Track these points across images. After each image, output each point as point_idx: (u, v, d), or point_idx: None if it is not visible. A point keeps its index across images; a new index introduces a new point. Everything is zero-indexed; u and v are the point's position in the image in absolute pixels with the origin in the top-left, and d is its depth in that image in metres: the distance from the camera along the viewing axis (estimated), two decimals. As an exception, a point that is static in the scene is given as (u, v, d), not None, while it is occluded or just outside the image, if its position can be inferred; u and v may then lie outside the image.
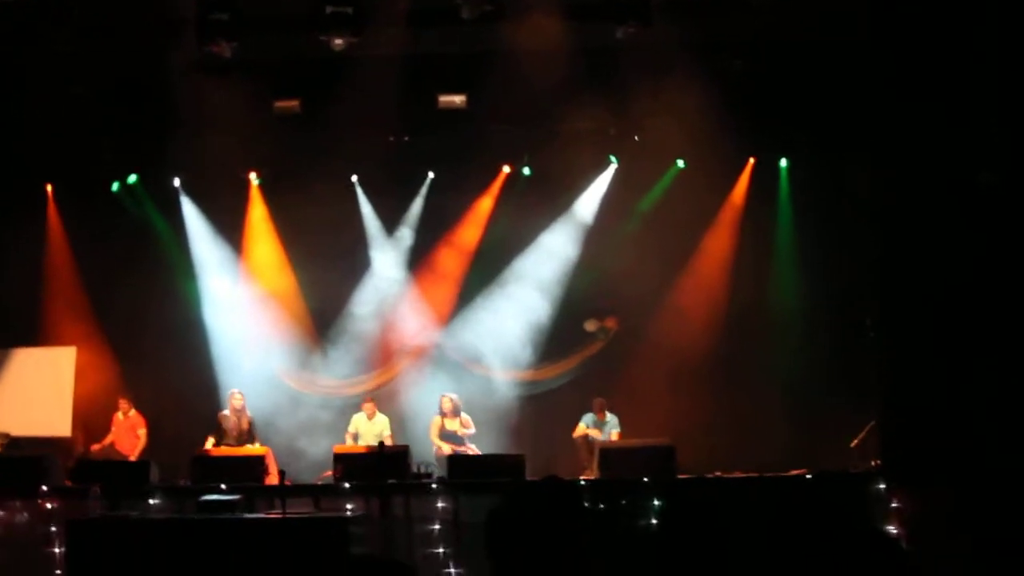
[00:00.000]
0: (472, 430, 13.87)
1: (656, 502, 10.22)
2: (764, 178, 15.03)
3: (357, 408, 14.39)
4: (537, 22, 12.68)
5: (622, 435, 13.75)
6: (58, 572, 10.56)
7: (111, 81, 13.93)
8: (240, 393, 14.25)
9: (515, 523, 5.23)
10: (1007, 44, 11.12)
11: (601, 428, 13.75)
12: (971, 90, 11.24)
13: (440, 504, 10.73)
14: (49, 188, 15.87)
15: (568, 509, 5.15)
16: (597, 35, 12.89)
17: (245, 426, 14.05)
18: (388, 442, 13.55)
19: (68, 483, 12.04)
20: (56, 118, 13.95)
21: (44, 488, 11.39)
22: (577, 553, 5.10)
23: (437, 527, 10.61)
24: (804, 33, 12.76)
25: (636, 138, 14.79)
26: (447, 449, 13.45)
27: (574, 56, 13.11)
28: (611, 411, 13.95)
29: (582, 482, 11.57)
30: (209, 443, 13.62)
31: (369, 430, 13.97)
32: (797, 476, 11.56)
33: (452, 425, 13.88)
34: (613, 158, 15.21)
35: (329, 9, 12.34)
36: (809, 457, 13.02)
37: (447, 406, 13.89)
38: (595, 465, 11.94)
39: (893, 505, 10.44)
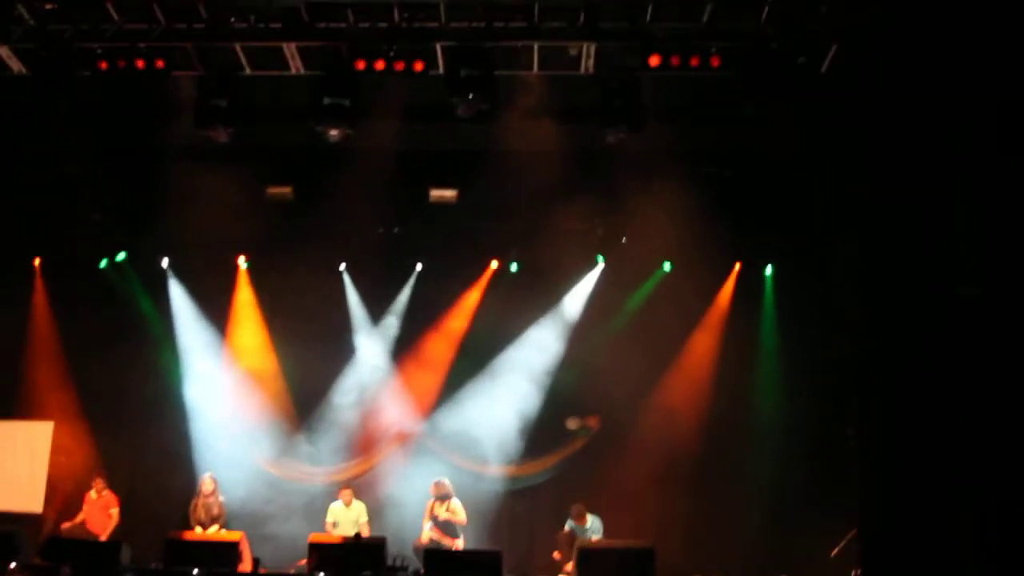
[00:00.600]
0: (463, 519, 13.78)
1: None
2: (750, 283, 15.18)
3: (335, 496, 14.29)
4: (530, 123, 12.88)
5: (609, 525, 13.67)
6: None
7: (105, 160, 14.07)
8: (212, 478, 14.18)
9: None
10: (985, 156, 11.35)
11: (583, 534, 13.63)
12: (953, 201, 11.44)
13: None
14: (37, 262, 15.92)
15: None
16: (588, 138, 13.06)
17: (215, 512, 13.93)
18: (365, 529, 13.46)
19: (37, 561, 11.86)
20: (48, 193, 14.10)
21: (13, 565, 11.21)
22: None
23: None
24: (791, 144, 12.95)
25: (623, 240, 14.95)
26: (426, 538, 13.38)
27: (565, 157, 13.43)
28: (593, 512, 13.84)
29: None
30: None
31: (346, 517, 13.89)
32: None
33: (439, 510, 13.80)
34: (600, 257, 15.35)
35: (326, 100, 12.50)
36: (788, 563, 13.02)
37: (434, 491, 13.85)
38: (574, 566, 11.84)
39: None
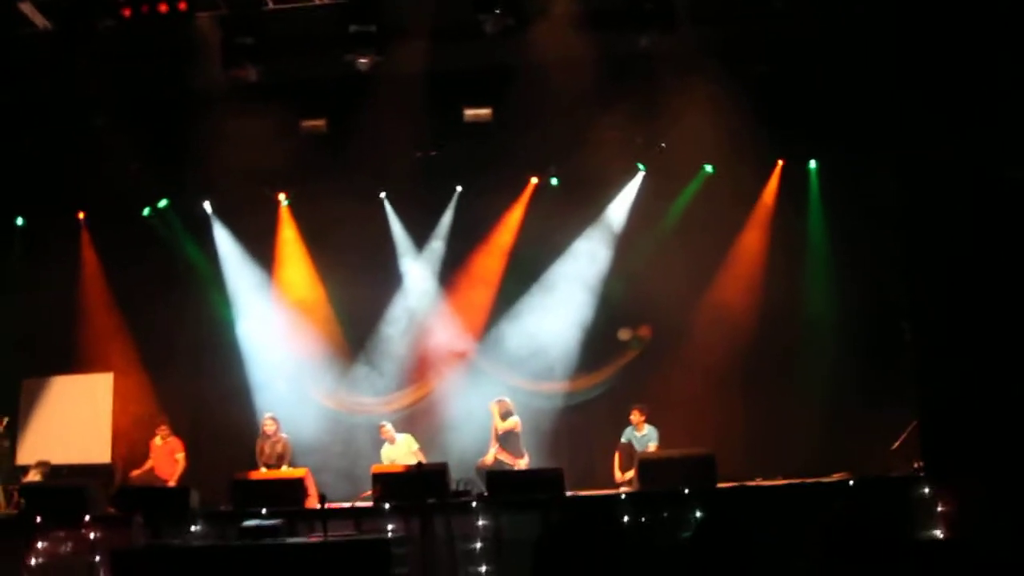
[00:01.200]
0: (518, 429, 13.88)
1: (697, 514, 10.14)
2: (794, 180, 14.96)
3: (396, 424, 14.40)
4: (559, 33, 12.66)
5: (660, 447, 13.68)
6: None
7: (137, 108, 14.02)
8: (272, 418, 14.33)
9: (558, 551, 5.23)
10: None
11: (640, 442, 13.68)
12: (998, 88, 11.11)
13: (481, 522, 10.68)
14: (81, 216, 16.02)
15: (608, 534, 5.13)
16: (621, 43, 12.84)
17: (279, 450, 14.10)
18: (418, 457, 13.54)
19: (110, 511, 12.08)
20: (85, 147, 14.10)
21: (87, 517, 11.43)
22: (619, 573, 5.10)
23: (479, 545, 10.56)
24: (828, 35, 12.64)
25: (663, 145, 14.71)
26: (491, 458, 13.50)
27: (598, 65, 13.13)
28: (649, 421, 13.87)
29: (622, 496, 11.49)
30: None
31: (399, 452, 13.96)
32: (839, 481, 11.44)
33: (504, 425, 13.87)
34: (641, 165, 15.16)
35: (353, 28, 12.36)
36: (849, 460, 12.97)
37: (501, 410, 13.92)
38: (635, 476, 11.86)
39: (939, 509, 10.29)
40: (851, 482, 11.18)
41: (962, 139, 11.16)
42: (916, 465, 11.49)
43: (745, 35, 12.79)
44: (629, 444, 13.74)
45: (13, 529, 11.40)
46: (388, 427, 14.23)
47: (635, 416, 13.86)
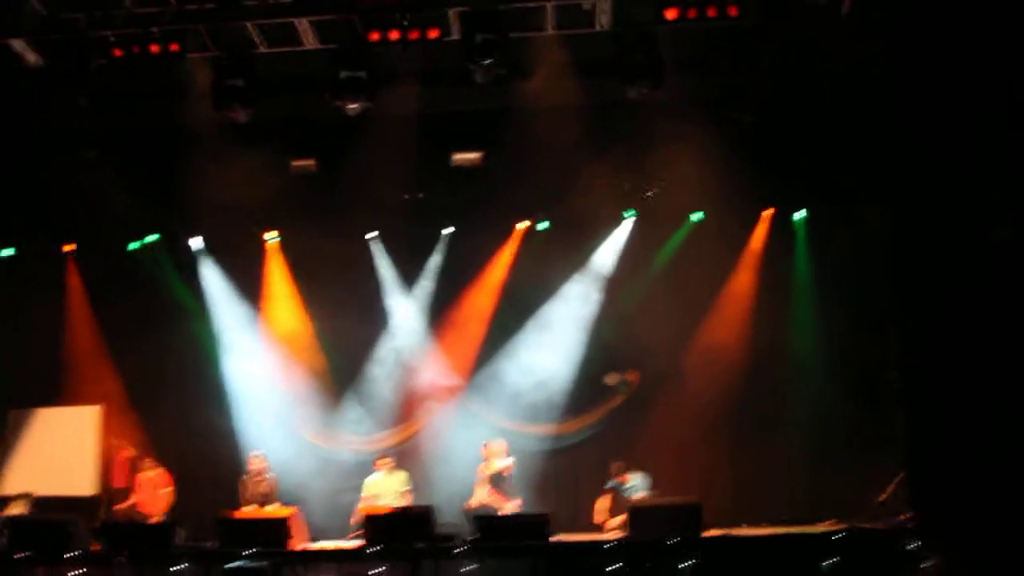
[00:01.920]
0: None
1: (681, 566, 10.19)
2: (781, 228, 15.06)
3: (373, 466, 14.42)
4: (550, 81, 12.79)
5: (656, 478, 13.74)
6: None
7: (127, 144, 14.08)
8: (259, 456, 14.31)
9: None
10: (1017, 96, 11.16)
11: (625, 492, 13.67)
12: (984, 144, 11.26)
13: (467, 568, 10.69)
14: (69, 249, 16.03)
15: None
16: (610, 92, 12.95)
17: (262, 490, 14.05)
18: (407, 498, 13.56)
19: (94, 547, 12.04)
20: (74, 181, 14.14)
21: (70, 554, 11.39)
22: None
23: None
24: (816, 88, 12.81)
25: (648, 194, 14.84)
26: (477, 502, 13.48)
27: (587, 112, 13.31)
28: (638, 467, 13.82)
29: (608, 545, 11.50)
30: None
31: (388, 487, 13.95)
32: (827, 532, 11.50)
33: (496, 467, 13.83)
34: (630, 212, 15.27)
35: (343, 74, 12.44)
36: (836, 507, 13.04)
37: (495, 450, 13.90)
38: (623, 523, 11.92)
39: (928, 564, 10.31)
40: (839, 535, 11.17)
41: (948, 194, 11.28)
42: (903, 517, 11.54)
43: (733, 87, 12.91)
44: (614, 491, 13.75)
45: (-3, 564, 11.36)
46: (384, 459, 14.23)
47: (615, 470, 13.79)
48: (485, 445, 14.03)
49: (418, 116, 13.65)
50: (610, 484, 13.77)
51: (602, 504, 13.73)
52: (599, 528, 13.40)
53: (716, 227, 14.71)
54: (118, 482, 15.21)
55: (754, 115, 13.04)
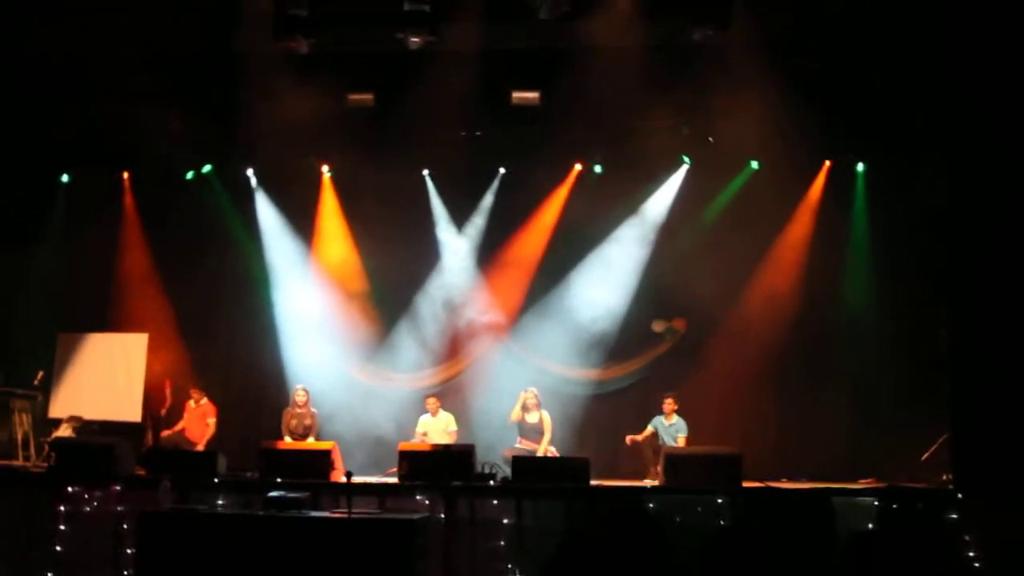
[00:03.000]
0: (549, 434, 13.83)
1: (719, 515, 10.09)
2: (840, 181, 14.82)
3: (422, 402, 14.45)
4: (614, 21, 12.56)
5: (689, 440, 13.65)
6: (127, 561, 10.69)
7: (186, 71, 14.03)
8: (304, 389, 14.42)
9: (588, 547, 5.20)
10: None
11: (667, 432, 13.69)
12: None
13: (505, 507, 10.65)
14: (126, 176, 16.12)
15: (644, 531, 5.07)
16: (674, 35, 12.75)
17: (308, 422, 14.23)
18: (452, 439, 13.64)
19: (139, 471, 12.17)
20: (133, 108, 14.11)
21: (116, 476, 11.50)
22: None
23: (501, 530, 10.54)
24: (882, 36, 12.48)
25: (710, 139, 14.61)
26: (520, 445, 13.54)
27: (650, 55, 13.03)
28: (679, 413, 13.84)
29: (647, 489, 11.43)
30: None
31: (435, 426, 14.05)
32: (868, 489, 11.37)
33: (531, 418, 13.88)
34: (686, 157, 15.07)
35: (407, 6, 12.33)
36: (877, 466, 12.89)
37: (531, 401, 13.89)
38: (660, 471, 11.82)
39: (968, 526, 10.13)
40: (879, 490, 11.03)
41: (1010, 150, 10.96)
42: (945, 478, 11.37)
43: (800, 32, 12.64)
44: (654, 434, 13.71)
45: (43, 483, 11.49)
46: (434, 400, 14.34)
47: (668, 405, 13.82)
48: (524, 392, 14.00)
49: (479, 53, 13.43)
50: (653, 423, 13.80)
51: (644, 434, 13.77)
52: (640, 474, 13.33)
53: (774, 177, 14.43)
54: (163, 410, 15.33)
55: (819, 63, 12.78)
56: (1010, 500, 10.06)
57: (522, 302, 15.36)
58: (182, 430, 14.72)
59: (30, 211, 15.68)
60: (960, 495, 10.25)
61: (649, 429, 13.78)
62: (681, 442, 13.59)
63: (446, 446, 12.15)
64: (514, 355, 15.27)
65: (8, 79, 13.90)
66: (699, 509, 10.18)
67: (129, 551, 10.57)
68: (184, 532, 9.52)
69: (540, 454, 13.45)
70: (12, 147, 14.55)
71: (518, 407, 13.88)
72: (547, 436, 13.79)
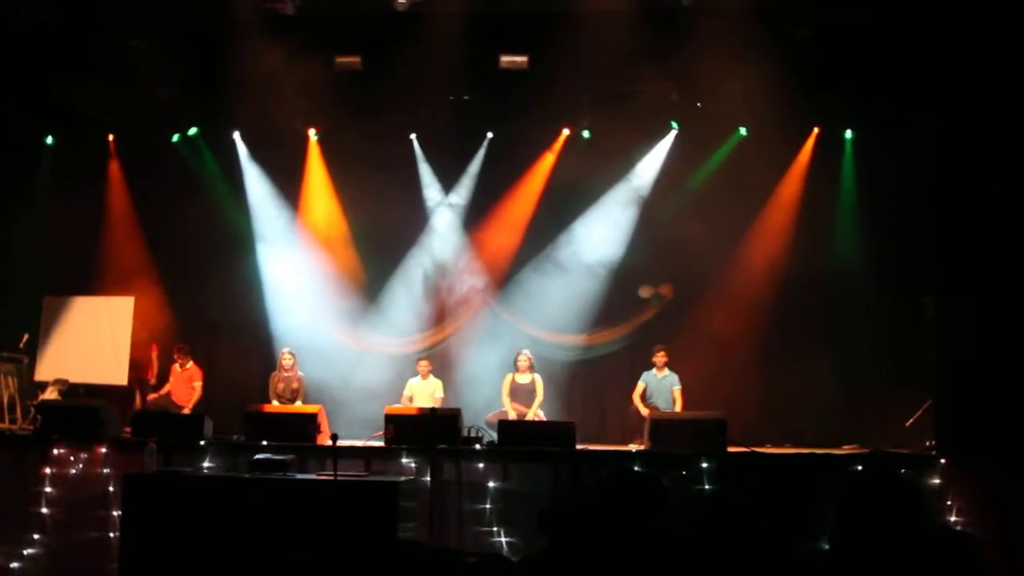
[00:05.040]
0: (541, 396, 13.88)
1: (705, 480, 10.13)
2: (828, 149, 14.81)
3: (411, 366, 14.45)
4: (603, -17, 12.51)
5: (683, 392, 13.76)
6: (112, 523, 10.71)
7: (171, 34, 13.92)
8: (291, 353, 14.42)
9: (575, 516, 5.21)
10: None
11: (659, 384, 13.76)
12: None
13: (490, 470, 10.68)
14: (111, 138, 16.03)
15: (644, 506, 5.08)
16: (663, -1, 12.71)
17: (296, 385, 14.26)
18: (438, 405, 13.66)
19: (126, 433, 12.17)
20: (118, 70, 14.02)
21: (101, 439, 11.50)
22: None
23: (486, 493, 10.57)
24: (872, 4, 12.45)
25: (699, 104, 14.59)
26: (513, 414, 13.56)
27: (639, 19, 12.94)
28: (670, 366, 13.93)
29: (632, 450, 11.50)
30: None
31: (422, 391, 14.07)
32: (851, 454, 11.43)
33: (523, 379, 13.93)
34: (674, 123, 15.06)
35: (395, -33, 12.25)
36: (861, 433, 12.98)
37: (523, 363, 13.96)
38: (645, 436, 11.87)
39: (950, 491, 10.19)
40: (863, 455, 11.11)
41: (1003, 118, 10.95)
42: (929, 443, 11.43)
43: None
44: (642, 396, 13.80)
45: (29, 445, 11.48)
46: (425, 363, 14.35)
47: (659, 357, 13.91)
48: (519, 354, 14.07)
49: (467, 16, 13.35)
50: (645, 377, 13.94)
51: (637, 391, 13.89)
52: (624, 440, 13.39)
53: (762, 144, 14.39)
54: (150, 375, 15.33)
55: (808, 30, 12.74)
56: (992, 465, 10.11)
57: (509, 267, 15.38)
58: (168, 393, 14.72)
59: (14, 173, 15.55)
60: (943, 460, 10.30)
61: (640, 384, 13.86)
62: (677, 394, 13.74)
63: (432, 409, 12.15)
64: (501, 320, 15.29)
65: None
66: (684, 473, 10.19)
67: (115, 513, 10.54)
68: (170, 494, 9.51)
69: (530, 418, 13.50)
70: (-5, 110, 14.44)
71: (510, 374, 13.98)
72: (538, 399, 13.84)
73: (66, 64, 14.04)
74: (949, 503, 10.05)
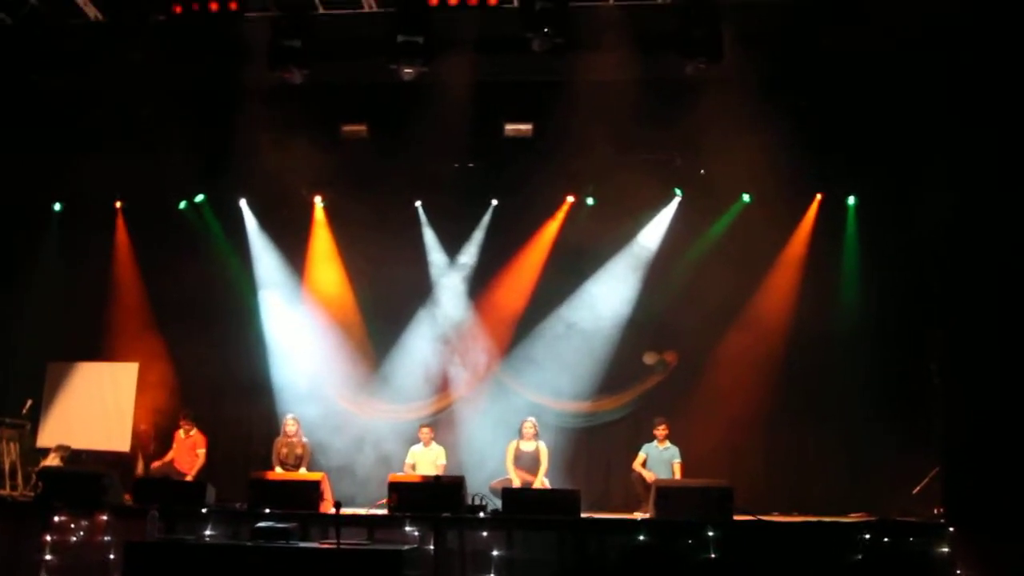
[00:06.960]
0: (546, 464, 13.81)
1: (711, 548, 10.04)
2: (831, 215, 14.91)
3: (414, 433, 14.39)
4: (606, 54, 12.62)
5: (684, 465, 13.65)
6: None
7: (181, 102, 14.05)
8: (295, 419, 14.38)
9: None
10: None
11: (660, 456, 13.70)
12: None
13: (494, 539, 10.60)
14: (118, 205, 16.13)
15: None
16: (667, 67, 12.81)
17: (300, 451, 14.19)
18: (442, 471, 13.59)
19: (127, 500, 12.10)
20: (126, 137, 14.14)
21: (102, 506, 11.43)
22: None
23: (490, 562, 10.49)
24: (872, 73, 12.58)
25: (702, 171, 14.69)
26: (517, 481, 13.50)
27: (642, 88, 13.11)
28: (671, 438, 13.84)
29: (638, 518, 11.42)
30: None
31: (425, 457, 14.01)
32: (859, 523, 11.35)
33: (527, 447, 13.87)
34: (678, 190, 15.15)
35: (400, 38, 12.39)
36: (868, 500, 12.89)
37: (528, 430, 13.90)
38: (651, 503, 11.78)
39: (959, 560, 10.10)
40: (871, 523, 11.03)
41: (1005, 184, 11.01)
42: (937, 511, 11.35)
43: (790, 68, 12.74)
44: (644, 466, 13.73)
45: (30, 512, 11.42)
46: (427, 430, 14.30)
47: (660, 430, 13.81)
48: (524, 421, 14.03)
49: (472, 85, 13.47)
50: (645, 449, 13.84)
51: (638, 461, 13.80)
52: (631, 508, 13.29)
53: (765, 210, 14.51)
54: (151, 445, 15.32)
55: (809, 98, 12.86)
56: (1001, 533, 10.03)
57: (514, 333, 15.38)
58: (171, 460, 14.65)
59: (21, 239, 15.66)
60: (951, 528, 10.21)
61: (641, 455, 13.77)
62: (677, 468, 13.63)
63: (436, 477, 12.09)
64: (505, 386, 15.26)
65: (4, 109, 13.92)
66: (690, 542, 10.11)
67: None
68: (171, 562, 9.47)
69: (536, 486, 13.41)
70: (5, 176, 14.50)
71: (514, 440, 13.92)
72: (543, 467, 13.76)
73: (75, 132, 14.14)
74: (958, 572, 9.94)
